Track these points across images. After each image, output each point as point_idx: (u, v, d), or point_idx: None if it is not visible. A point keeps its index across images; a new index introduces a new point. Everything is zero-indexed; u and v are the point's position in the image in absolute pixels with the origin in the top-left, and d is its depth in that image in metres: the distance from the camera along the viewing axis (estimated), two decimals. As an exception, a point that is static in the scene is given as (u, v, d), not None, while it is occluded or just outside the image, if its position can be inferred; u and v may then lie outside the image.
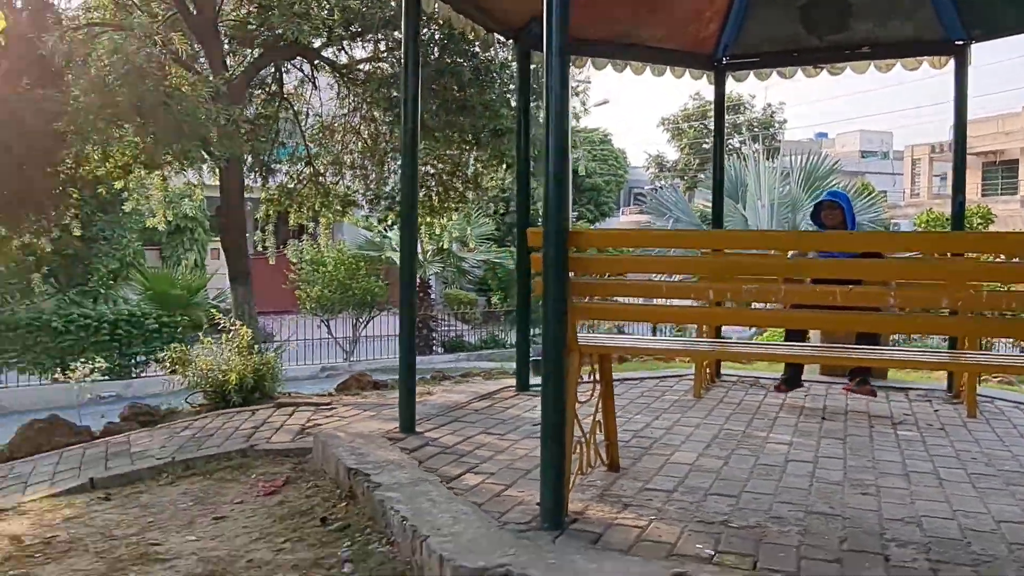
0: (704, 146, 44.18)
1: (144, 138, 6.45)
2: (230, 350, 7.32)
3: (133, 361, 17.68)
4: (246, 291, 8.34)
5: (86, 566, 3.47)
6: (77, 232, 9.80)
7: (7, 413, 16.09)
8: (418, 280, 23.60)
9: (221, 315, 7.90)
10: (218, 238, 28.56)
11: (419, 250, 22.98)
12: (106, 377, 16.74)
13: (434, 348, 22.78)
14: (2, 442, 6.81)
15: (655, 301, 4.30)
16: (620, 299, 3.87)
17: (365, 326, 21.67)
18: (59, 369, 16.89)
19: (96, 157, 8.62)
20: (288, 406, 6.59)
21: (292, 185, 11.04)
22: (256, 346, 7.44)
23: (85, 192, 9.28)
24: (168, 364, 7.49)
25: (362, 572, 3.25)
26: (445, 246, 22.15)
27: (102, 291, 18.46)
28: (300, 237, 20.44)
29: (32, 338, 16.31)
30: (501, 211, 27.22)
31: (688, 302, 3.87)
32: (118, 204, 18.48)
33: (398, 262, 19.66)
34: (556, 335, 3.34)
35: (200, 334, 18.08)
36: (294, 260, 21.77)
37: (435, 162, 10.02)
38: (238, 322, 7.70)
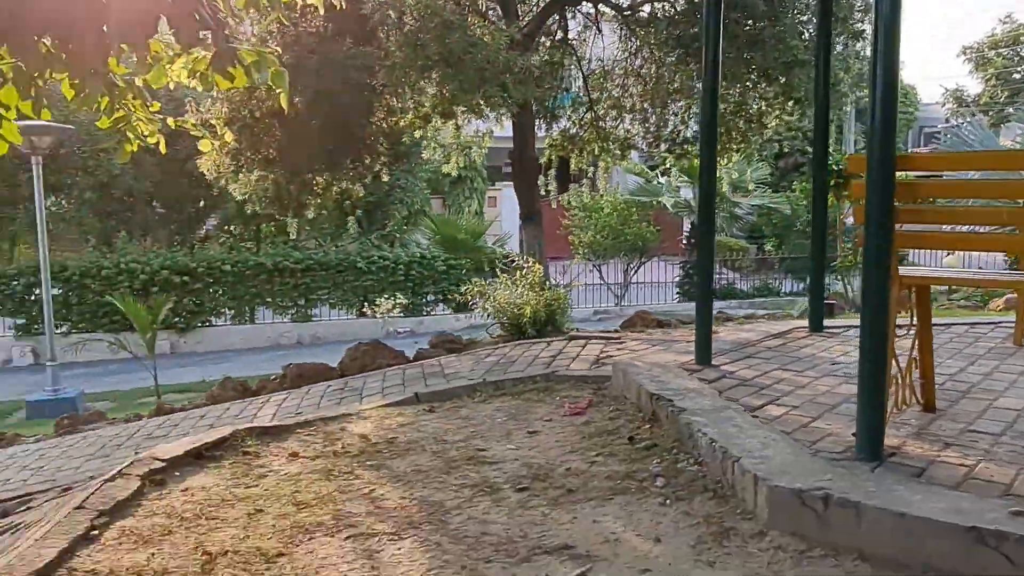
0: (1015, 76, 39.14)
1: (448, 87, 6.95)
2: (524, 286, 7.77)
3: (424, 300, 19.20)
4: (537, 230, 8.80)
5: (426, 462, 3.94)
6: (385, 179, 10.82)
7: (321, 343, 18.22)
8: (688, 225, 23.38)
9: (515, 254, 8.38)
10: (495, 187, 30.06)
11: (693, 196, 22.70)
12: (401, 314, 18.38)
13: (705, 295, 22.48)
14: (332, 364, 7.79)
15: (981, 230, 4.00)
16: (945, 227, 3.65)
17: (636, 271, 21.88)
18: (363, 305, 18.85)
19: (403, 108, 9.40)
20: (580, 339, 6.90)
21: (574, 130, 11.34)
22: (547, 283, 7.85)
23: (390, 142, 10.15)
24: (471, 297, 8.06)
25: (673, 487, 3.41)
26: (720, 190, 21.58)
27: (397, 235, 20.15)
28: (580, 182, 20.84)
29: (341, 277, 18.20)
30: (775, 153, 26.09)
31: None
32: (413, 154, 20.09)
33: (671, 207, 19.56)
34: (879, 262, 3.24)
35: (481, 277, 19.24)
36: (568, 207, 22.47)
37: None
38: (530, 259, 8.15)
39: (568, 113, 11.37)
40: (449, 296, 19.31)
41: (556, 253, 24.35)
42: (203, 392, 13.34)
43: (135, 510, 3.32)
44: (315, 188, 9.54)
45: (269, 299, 17.93)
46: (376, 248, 19.01)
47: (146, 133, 4.34)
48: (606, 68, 11.03)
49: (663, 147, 11.15)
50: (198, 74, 4.51)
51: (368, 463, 3.95)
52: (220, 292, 17.44)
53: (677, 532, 3.01)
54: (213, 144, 4.61)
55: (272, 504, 3.40)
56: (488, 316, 7.89)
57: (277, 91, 4.28)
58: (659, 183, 23.35)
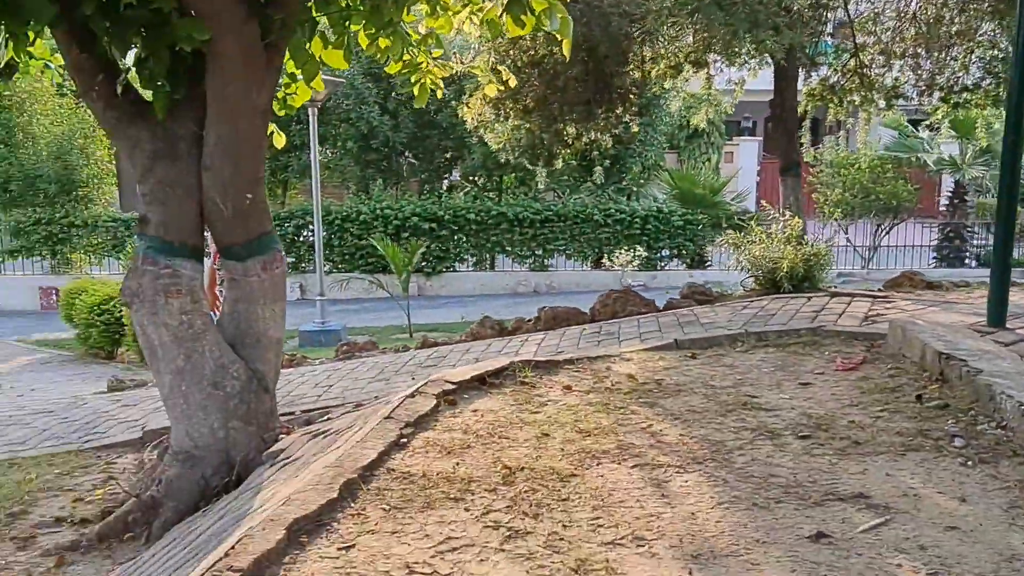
0: None
1: (718, 32, 6.78)
2: (780, 240, 7.52)
3: (659, 255, 19.08)
4: (795, 183, 8.45)
5: (699, 404, 3.97)
6: (635, 129, 10.81)
7: (557, 293, 18.65)
8: (954, 184, 21.39)
9: (767, 206, 8.12)
10: (732, 141, 29.08)
11: (959, 151, 20.79)
12: (638, 267, 18.39)
13: (965, 261, 20.62)
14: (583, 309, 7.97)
15: None
16: None
17: (887, 233, 20.44)
18: (599, 257, 19.05)
19: (656, 57, 9.30)
20: (843, 296, 6.61)
21: (834, 79, 10.69)
22: (805, 237, 7.54)
23: (640, 93, 10.09)
24: (725, 248, 7.92)
25: (975, 448, 3.21)
26: (989, 145, 19.57)
27: (634, 189, 20.10)
28: (829, 136, 19.75)
29: (577, 229, 18.46)
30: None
31: None
32: (653, 107, 19.86)
33: (932, 164, 17.88)
34: None
35: (718, 233, 18.73)
36: (814, 162, 21.35)
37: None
38: (787, 213, 7.87)
39: (829, 60, 10.73)
40: (684, 251, 19.09)
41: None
42: (451, 331, 14.19)
43: (434, 424, 3.61)
44: (566, 138, 9.72)
45: (509, 248, 18.58)
46: (612, 201, 19.07)
47: (440, 78, 4.62)
48: (876, 10, 10.27)
49: (936, 96, 10.27)
50: (485, 22, 4.73)
51: (641, 400, 4.04)
52: (464, 239, 18.29)
53: (985, 494, 2.85)
54: (499, 88, 4.82)
55: (557, 430, 3.58)
56: (740, 269, 7.72)
57: (560, 39, 4.39)
58: (918, 138, 21.50)
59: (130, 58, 4.36)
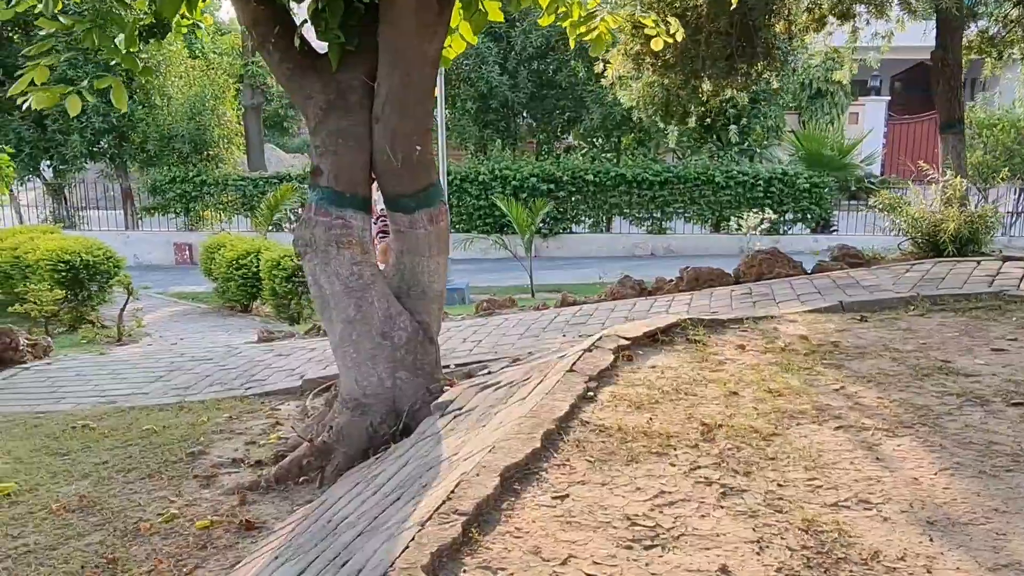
0: None
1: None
2: (942, 200, 7.11)
3: (782, 219, 18.47)
4: (958, 141, 7.93)
5: (887, 367, 3.78)
6: (776, 86, 10.39)
7: (674, 256, 18.33)
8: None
9: (929, 167, 7.66)
10: (858, 102, 27.77)
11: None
12: (756, 232, 17.88)
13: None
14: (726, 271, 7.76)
15: None
16: None
17: (1027, 198, 19.19)
18: (718, 221, 18.59)
19: (801, 9, 8.87)
20: (1018, 260, 6.19)
21: (995, 30, 10.00)
22: (969, 198, 7.09)
23: (780, 48, 9.67)
24: (879, 209, 7.55)
25: None
26: None
27: (757, 150, 19.47)
28: (990, 90, 18.58)
29: (697, 191, 18.05)
30: None
31: None
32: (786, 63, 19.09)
33: None
34: None
35: (846, 197, 17.97)
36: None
37: None
38: (948, 172, 7.42)
39: (990, 11, 10.03)
40: (809, 215, 18.41)
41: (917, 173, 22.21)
42: (573, 292, 14.15)
43: (616, 379, 3.55)
44: (702, 95, 9.42)
45: (626, 210, 18.33)
46: (734, 163, 18.53)
47: (613, 27, 4.49)
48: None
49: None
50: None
51: (825, 362, 3.87)
52: (581, 201, 18.15)
53: None
54: (666, 40, 4.65)
55: (744, 389, 3.46)
56: (897, 232, 7.33)
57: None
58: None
59: (305, 10, 4.40)
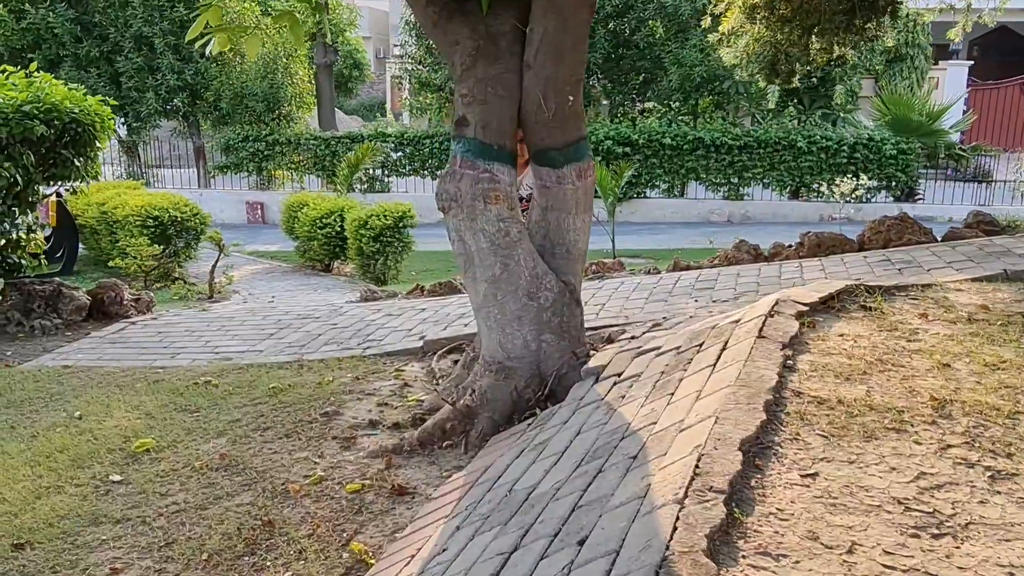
0: None
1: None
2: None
3: (866, 186, 17.81)
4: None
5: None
6: (890, 43, 9.87)
7: (751, 223, 17.85)
8: None
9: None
10: (938, 66, 26.65)
11: None
12: (850, 199, 17.33)
13: None
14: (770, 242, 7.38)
15: None
16: None
17: None
18: (796, 188, 18.03)
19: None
20: None
21: None
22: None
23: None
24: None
25: None
26: None
27: (840, 114, 18.78)
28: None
29: (778, 156, 17.48)
30: None
31: None
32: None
33: None
34: None
35: (934, 165, 17.25)
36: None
37: None
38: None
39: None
40: (894, 183, 17.74)
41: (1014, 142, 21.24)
42: (653, 257, 13.81)
43: (807, 347, 3.29)
44: (812, 52, 8.95)
45: (703, 175, 17.85)
46: (818, 127, 17.88)
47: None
48: None
49: None
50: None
51: (1027, 334, 3.56)
52: (657, 165, 17.70)
53: None
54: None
55: (955, 361, 3.17)
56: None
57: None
58: None
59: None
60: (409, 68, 19.49)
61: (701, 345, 3.60)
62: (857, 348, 3.30)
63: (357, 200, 12.24)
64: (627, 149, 17.42)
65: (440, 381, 4.95)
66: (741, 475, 2.20)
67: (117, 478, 3.91)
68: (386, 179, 18.41)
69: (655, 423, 2.87)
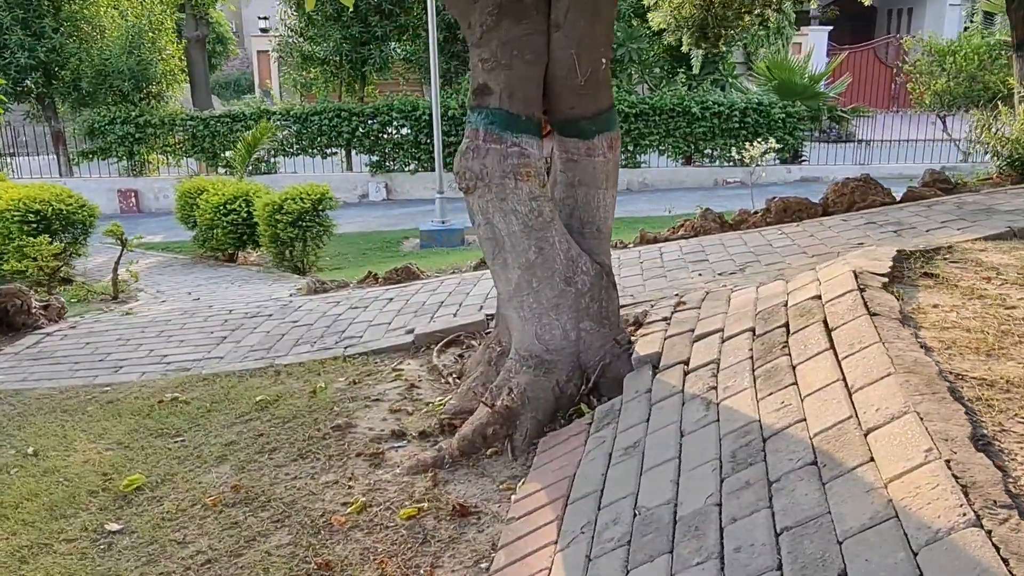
0: None
1: None
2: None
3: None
4: (1035, 60, 7.66)
5: None
6: (814, 5, 9.93)
7: (649, 190, 17.96)
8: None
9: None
10: (800, 31, 27.61)
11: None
12: (761, 162, 17.63)
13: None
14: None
15: None
16: None
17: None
18: (689, 154, 18.24)
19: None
20: None
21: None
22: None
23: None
24: (974, 133, 7.22)
25: None
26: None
27: (729, 80, 19.10)
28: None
29: (673, 123, 17.60)
30: None
31: None
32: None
33: None
34: None
35: (815, 127, 17.71)
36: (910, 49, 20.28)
37: None
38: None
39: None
40: (784, 146, 18.22)
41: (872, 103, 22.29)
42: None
43: (916, 322, 3.06)
44: (742, 11, 8.89)
45: (600, 144, 17.75)
46: (710, 93, 18.12)
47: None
48: None
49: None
50: None
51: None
52: (555, 135, 17.45)
53: None
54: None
55: (1072, 327, 3.02)
56: (992, 155, 7.03)
57: None
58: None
59: None
60: (290, 41, 18.38)
61: (787, 326, 3.32)
62: (964, 320, 3.10)
63: (264, 184, 11.39)
64: (525, 120, 17.07)
65: (450, 379, 4.50)
66: (1003, 481, 1.91)
67: (115, 527, 3.28)
68: (272, 159, 17.38)
69: (802, 420, 2.56)
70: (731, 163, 18.11)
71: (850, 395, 2.54)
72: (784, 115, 17.71)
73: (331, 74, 18.25)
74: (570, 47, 3.73)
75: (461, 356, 4.77)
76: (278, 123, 16.20)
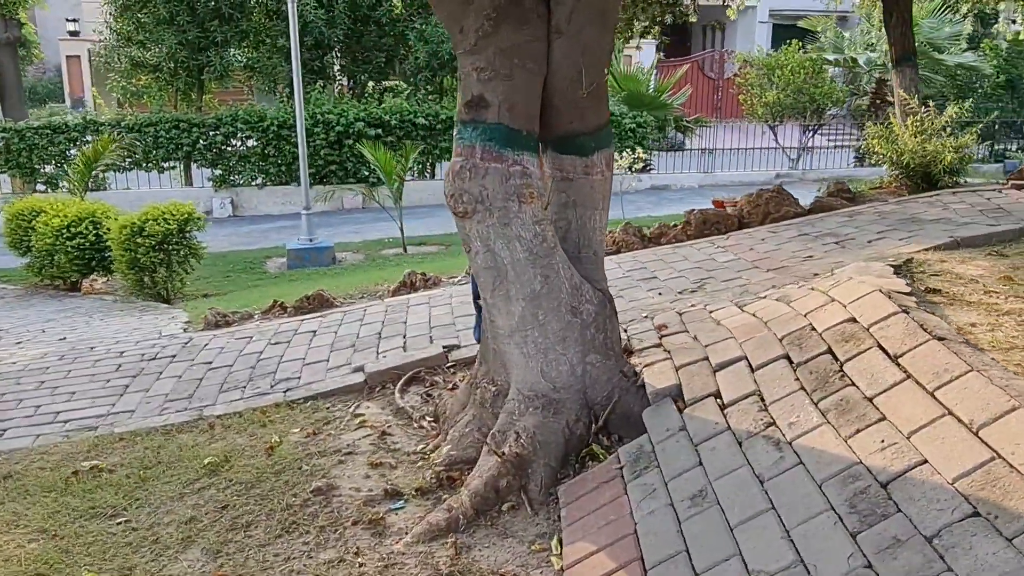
0: None
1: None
2: (914, 134, 7.18)
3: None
4: (913, 73, 8.03)
5: None
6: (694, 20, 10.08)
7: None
8: (876, 84, 21.84)
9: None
10: (630, 44, 28.53)
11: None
12: (630, 172, 17.78)
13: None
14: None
15: None
16: None
17: (814, 134, 20.79)
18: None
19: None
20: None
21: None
22: (948, 130, 7.20)
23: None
24: (867, 146, 7.47)
25: None
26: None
27: (578, 91, 19.30)
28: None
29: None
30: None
31: None
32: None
33: (863, 64, 17.89)
34: None
35: (663, 136, 18.29)
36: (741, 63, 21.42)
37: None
38: (909, 104, 7.51)
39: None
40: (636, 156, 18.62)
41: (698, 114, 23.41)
42: (443, 243, 13.14)
43: (973, 343, 2.97)
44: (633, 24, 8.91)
45: (457, 155, 17.43)
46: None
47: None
48: None
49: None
50: None
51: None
52: (411, 146, 16.94)
53: None
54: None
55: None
56: (889, 164, 7.30)
57: None
58: (843, 36, 21.67)
59: None
60: (117, 45, 16.81)
61: (831, 352, 3.15)
62: (1012, 339, 3.04)
63: (109, 204, 10.22)
64: (380, 131, 16.50)
65: (424, 423, 4.04)
66: None
67: (82, 650, 2.62)
68: (102, 175, 15.80)
69: (923, 462, 2.37)
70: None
71: (975, 432, 2.37)
72: (634, 125, 18.10)
73: (165, 82, 16.88)
74: (574, 55, 3.42)
75: (428, 395, 4.32)
76: (120, 136, 14.73)
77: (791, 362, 3.25)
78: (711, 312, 4.31)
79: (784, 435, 2.85)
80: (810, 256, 5.23)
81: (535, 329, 3.49)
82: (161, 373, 5.01)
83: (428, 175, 17.93)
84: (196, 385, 4.77)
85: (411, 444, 3.86)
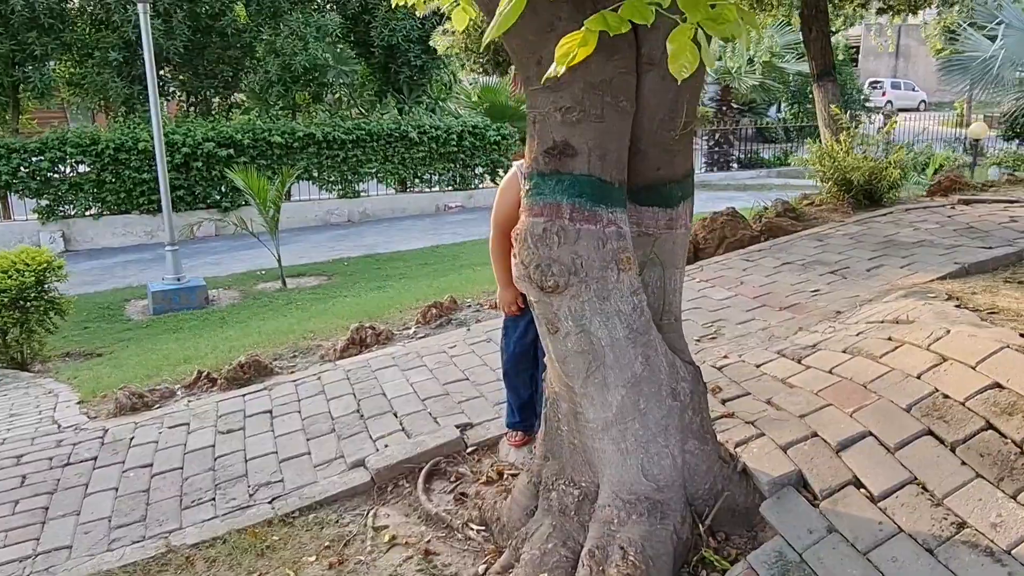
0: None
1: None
2: (847, 151, 7.14)
3: (473, 173, 18.13)
4: (834, 88, 7.95)
5: None
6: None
7: (371, 220, 17.03)
8: (721, 91, 22.61)
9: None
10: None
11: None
12: (450, 188, 17.31)
13: (731, 164, 22.22)
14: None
15: None
16: None
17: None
18: (404, 179, 17.56)
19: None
20: (975, 203, 6.40)
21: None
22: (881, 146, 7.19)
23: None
24: (808, 163, 7.33)
25: None
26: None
27: (438, 104, 18.71)
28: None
29: (391, 149, 16.84)
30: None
31: None
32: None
33: (710, 73, 18.27)
34: None
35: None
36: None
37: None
38: (836, 120, 7.46)
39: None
40: (500, 168, 18.25)
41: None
42: (323, 272, 12.11)
43: None
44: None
45: (316, 174, 16.39)
46: (425, 116, 17.55)
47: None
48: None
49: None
50: None
51: None
52: (266, 167, 15.71)
53: None
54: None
55: None
56: (828, 181, 7.16)
57: None
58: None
59: None
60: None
61: (992, 427, 2.75)
62: None
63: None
64: (231, 151, 15.19)
65: (472, 531, 3.33)
66: None
67: None
68: None
69: None
70: (450, 187, 17.77)
71: None
72: (499, 137, 17.72)
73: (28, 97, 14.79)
74: (668, 90, 2.84)
75: (464, 495, 3.59)
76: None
77: (940, 440, 2.83)
78: (757, 366, 3.86)
79: (994, 541, 2.40)
80: (816, 290, 4.91)
81: (635, 420, 2.89)
82: (88, 485, 3.98)
83: (286, 196, 16.70)
84: (144, 500, 3.80)
85: (469, 565, 3.15)
